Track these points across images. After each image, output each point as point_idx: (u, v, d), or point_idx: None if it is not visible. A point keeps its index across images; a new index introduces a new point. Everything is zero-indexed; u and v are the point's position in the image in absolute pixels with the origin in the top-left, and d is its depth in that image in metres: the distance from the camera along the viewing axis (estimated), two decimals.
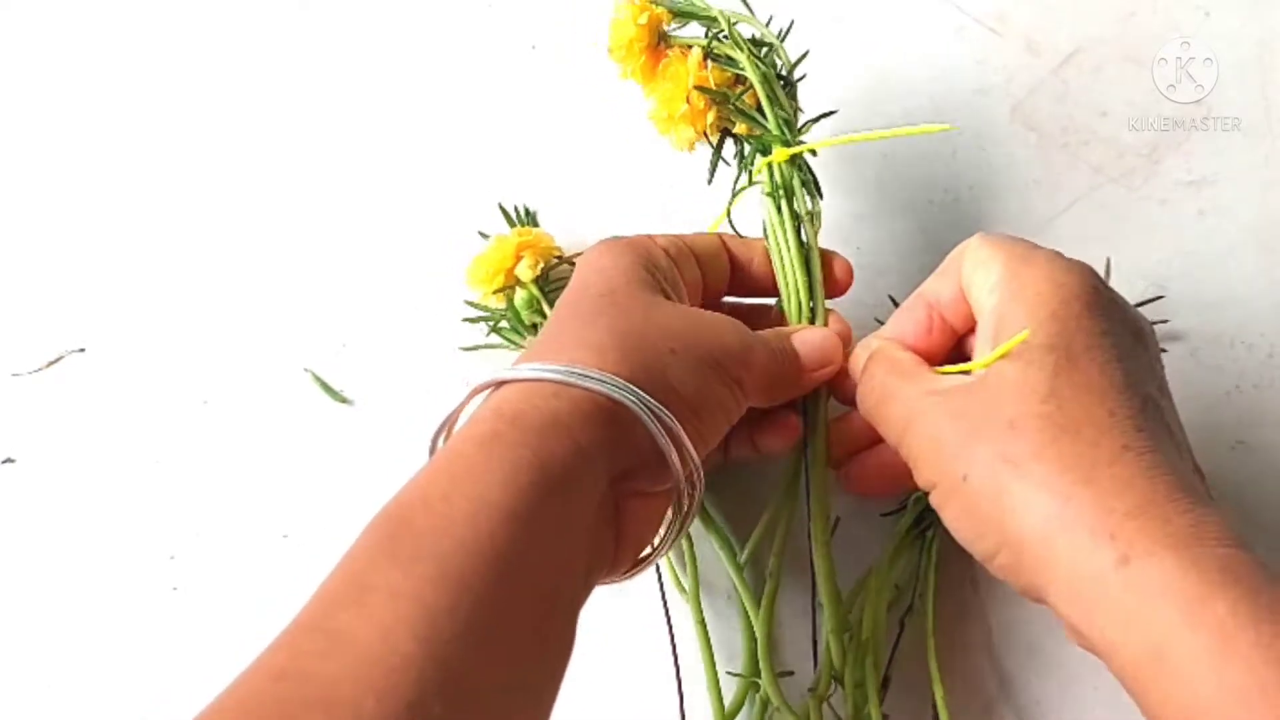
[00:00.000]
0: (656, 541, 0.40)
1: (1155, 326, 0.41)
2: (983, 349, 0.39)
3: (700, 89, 0.47)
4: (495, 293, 0.51)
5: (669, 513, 0.39)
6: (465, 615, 0.30)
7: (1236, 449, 0.51)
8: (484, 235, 0.52)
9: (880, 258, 0.55)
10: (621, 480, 0.37)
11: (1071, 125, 0.57)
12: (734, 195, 0.49)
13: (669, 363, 0.38)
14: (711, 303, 0.47)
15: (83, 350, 0.56)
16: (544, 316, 0.50)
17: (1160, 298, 0.53)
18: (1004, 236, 0.41)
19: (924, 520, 0.48)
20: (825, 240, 0.48)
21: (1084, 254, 0.40)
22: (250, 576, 0.51)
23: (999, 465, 0.35)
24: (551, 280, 0.51)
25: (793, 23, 0.50)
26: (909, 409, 0.39)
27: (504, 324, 0.52)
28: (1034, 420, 0.35)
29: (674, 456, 0.36)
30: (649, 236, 0.44)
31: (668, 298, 0.42)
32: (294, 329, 0.56)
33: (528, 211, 0.54)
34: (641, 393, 0.36)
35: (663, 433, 0.36)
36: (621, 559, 0.39)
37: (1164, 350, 0.43)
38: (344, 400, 0.54)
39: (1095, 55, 0.58)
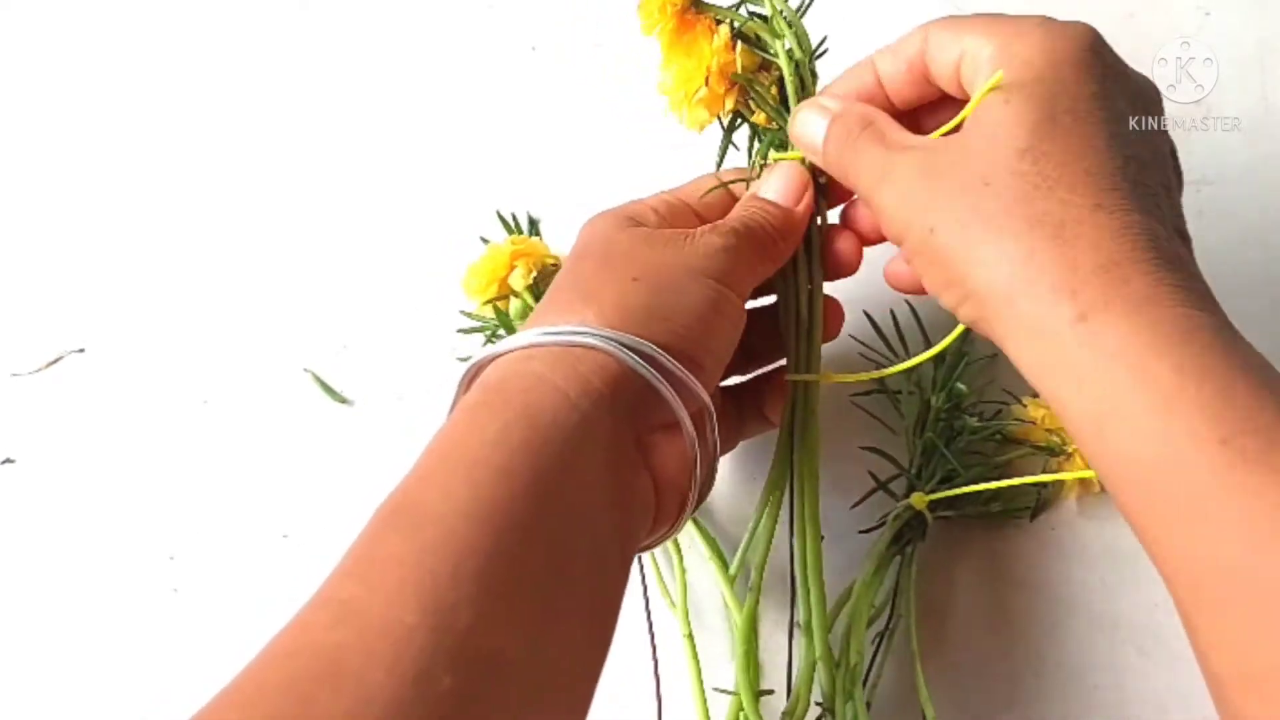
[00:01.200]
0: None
1: None
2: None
3: (724, 74, 0.44)
4: (488, 302, 0.50)
5: (698, 462, 0.38)
6: (470, 580, 0.29)
7: None
8: (485, 241, 0.52)
9: (877, 250, 0.54)
10: (633, 419, 0.36)
11: None
12: (742, 150, 0.47)
13: (632, 290, 0.37)
14: None
15: (82, 350, 0.56)
16: None
17: None
18: (977, 16, 0.39)
19: (903, 536, 0.47)
20: None
21: None
22: (250, 577, 0.51)
23: (969, 219, 0.35)
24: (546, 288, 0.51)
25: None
26: (882, 164, 0.38)
27: (500, 333, 0.51)
28: (1007, 177, 0.34)
29: (661, 384, 0.35)
30: (638, 201, 0.44)
31: None
32: (294, 329, 0.56)
33: (531, 220, 0.54)
34: (605, 330, 0.35)
35: (639, 360, 0.35)
36: (666, 505, 0.37)
37: None
38: (344, 401, 0.54)
39: None
